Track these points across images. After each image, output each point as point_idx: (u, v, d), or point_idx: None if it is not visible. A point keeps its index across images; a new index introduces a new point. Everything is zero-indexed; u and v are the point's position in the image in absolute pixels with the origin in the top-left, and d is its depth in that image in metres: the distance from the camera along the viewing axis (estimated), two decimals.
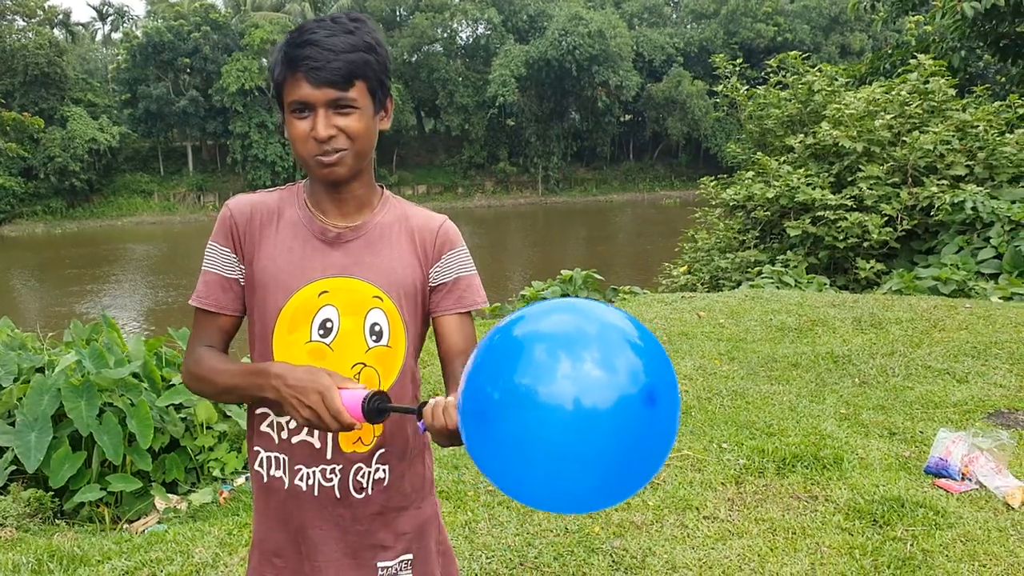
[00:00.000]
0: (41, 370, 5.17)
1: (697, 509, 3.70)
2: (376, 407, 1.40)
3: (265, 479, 1.66)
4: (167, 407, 5.06)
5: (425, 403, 1.42)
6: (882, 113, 11.00)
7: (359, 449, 1.62)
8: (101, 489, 4.62)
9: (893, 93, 11.36)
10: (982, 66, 17.69)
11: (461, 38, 59.06)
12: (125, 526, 4.50)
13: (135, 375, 5.12)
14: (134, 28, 57.86)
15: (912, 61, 11.90)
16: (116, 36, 62.38)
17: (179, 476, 5.01)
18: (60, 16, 54.98)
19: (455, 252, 1.66)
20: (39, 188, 47.93)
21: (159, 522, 4.49)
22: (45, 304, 25.08)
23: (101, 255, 35.38)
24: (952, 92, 11.25)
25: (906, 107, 11.02)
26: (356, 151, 1.52)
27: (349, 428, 1.39)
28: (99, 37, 68.52)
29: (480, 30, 58.43)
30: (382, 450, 1.63)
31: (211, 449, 5.14)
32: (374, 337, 1.59)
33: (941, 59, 12.68)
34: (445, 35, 57.28)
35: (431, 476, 1.75)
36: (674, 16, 65.17)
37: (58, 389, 4.66)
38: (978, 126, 10.73)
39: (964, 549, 3.28)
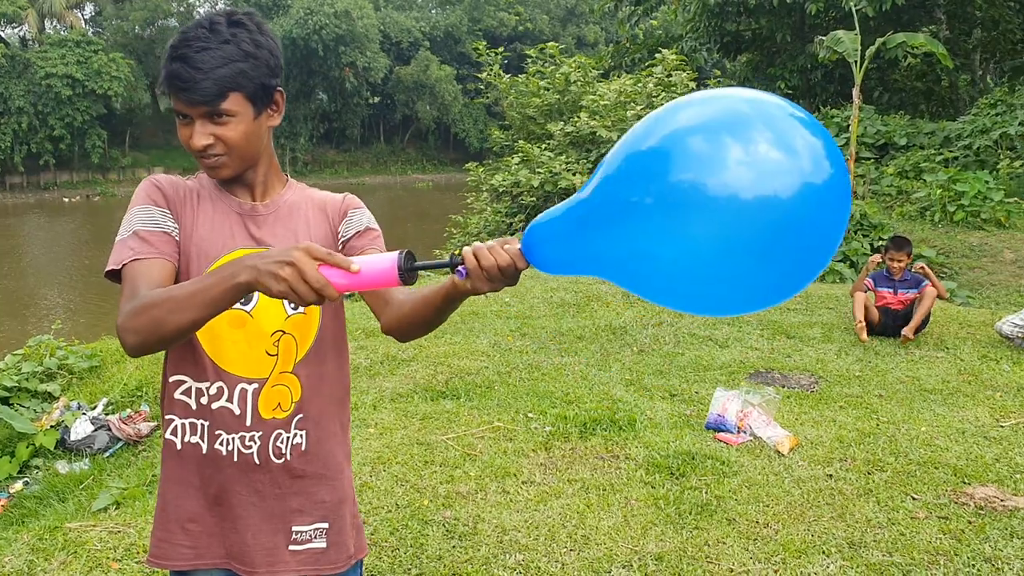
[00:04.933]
0: None
1: (515, 475, 3.93)
2: (412, 264, 1.31)
3: (179, 446, 1.66)
4: None
5: (457, 254, 1.34)
6: (632, 104, 11.86)
7: (278, 415, 1.66)
8: None
9: (640, 85, 12.27)
10: (715, 59, 19.43)
11: (199, 12, 56.03)
12: None
13: None
14: None
15: (657, 55, 12.89)
16: None
17: None
18: None
19: (360, 210, 1.75)
20: None
21: None
22: None
23: None
24: (693, 85, 12.33)
25: (653, 99, 11.96)
26: (236, 156, 1.58)
27: (331, 293, 1.27)
28: None
29: (220, 5, 55.75)
30: (300, 415, 1.68)
31: None
32: (292, 305, 1.64)
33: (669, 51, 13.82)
34: (181, 9, 54.18)
35: (348, 449, 1.82)
36: (419, 0, 65.56)
37: None
38: None
39: (749, 493, 3.73)
